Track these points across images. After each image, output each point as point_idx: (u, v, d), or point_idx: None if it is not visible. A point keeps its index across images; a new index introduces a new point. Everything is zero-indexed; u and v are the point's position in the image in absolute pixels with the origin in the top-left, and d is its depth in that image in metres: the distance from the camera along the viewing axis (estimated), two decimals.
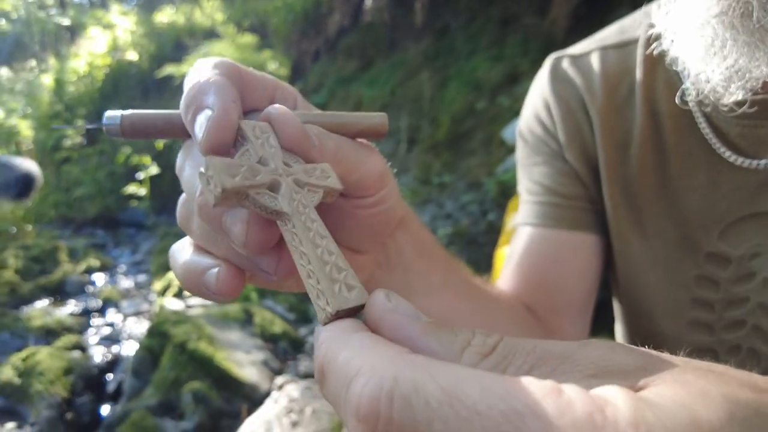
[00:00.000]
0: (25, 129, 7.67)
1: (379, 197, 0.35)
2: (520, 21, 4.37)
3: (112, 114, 0.31)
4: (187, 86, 0.30)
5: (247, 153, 0.28)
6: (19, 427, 2.31)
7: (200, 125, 0.28)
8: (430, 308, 0.40)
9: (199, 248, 0.32)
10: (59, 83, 8.08)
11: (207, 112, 0.28)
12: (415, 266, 0.42)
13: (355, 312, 0.22)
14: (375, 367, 0.17)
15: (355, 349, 0.18)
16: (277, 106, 0.30)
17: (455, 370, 0.16)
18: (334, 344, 0.20)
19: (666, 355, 0.18)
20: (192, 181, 0.30)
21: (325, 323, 0.22)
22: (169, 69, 6.02)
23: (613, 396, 0.15)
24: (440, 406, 0.15)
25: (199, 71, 0.30)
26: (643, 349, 0.19)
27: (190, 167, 0.31)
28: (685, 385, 0.16)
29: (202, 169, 0.25)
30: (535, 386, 0.15)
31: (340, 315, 0.22)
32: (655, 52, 0.51)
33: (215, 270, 0.30)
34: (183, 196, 0.33)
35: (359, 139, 0.34)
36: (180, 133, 0.31)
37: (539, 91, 0.66)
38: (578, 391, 0.15)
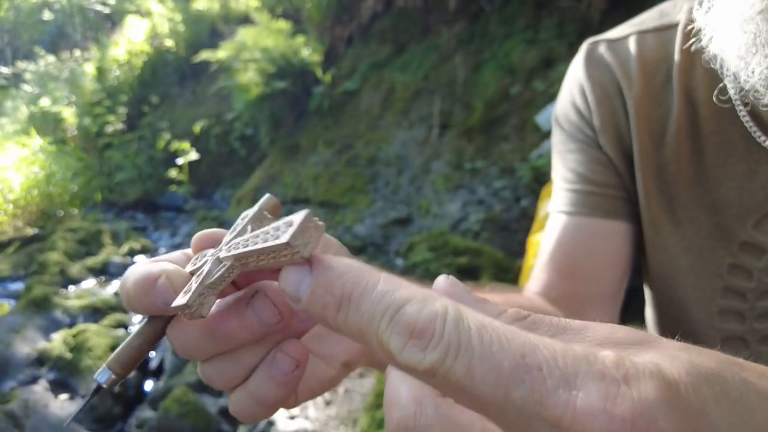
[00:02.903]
0: (70, 116, 7.93)
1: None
2: (556, 3, 4.27)
3: (100, 371, 0.31)
4: (128, 287, 0.31)
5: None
6: (71, 398, 2.44)
7: (161, 290, 0.29)
8: None
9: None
10: (101, 71, 8.30)
11: (161, 280, 0.30)
12: None
13: (308, 224, 0.24)
14: (429, 297, 0.21)
15: (395, 284, 0.22)
16: None
17: (490, 317, 0.21)
18: (364, 276, 0.22)
19: (661, 338, 0.22)
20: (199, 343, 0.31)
21: (297, 256, 0.23)
22: (204, 55, 6.11)
23: (606, 351, 0.19)
24: (478, 330, 0.19)
25: (126, 275, 0.32)
26: (642, 331, 0.22)
27: (179, 338, 0.32)
28: (663, 353, 0.20)
29: (179, 313, 0.29)
30: (548, 338, 0.20)
31: (295, 242, 0.23)
32: (693, 48, 0.51)
33: (278, 353, 0.31)
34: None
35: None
36: (154, 336, 0.32)
37: (575, 77, 0.66)
38: (579, 345, 0.20)
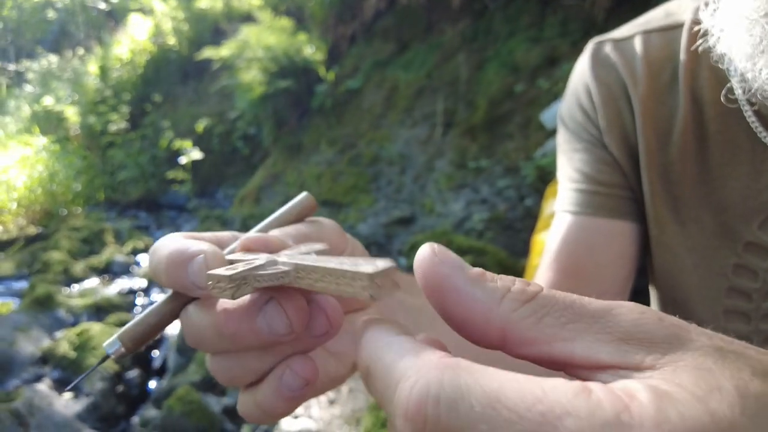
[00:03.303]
0: (73, 115, 7.95)
1: None
2: (560, 1, 4.26)
3: (110, 342, 0.31)
4: (161, 256, 0.30)
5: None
6: (76, 397, 2.45)
7: (196, 270, 0.29)
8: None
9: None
10: (104, 70, 8.32)
11: (199, 260, 0.29)
12: (409, 302, 0.44)
13: (391, 275, 0.24)
14: (420, 371, 0.18)
15: (399, 353, 0.20)
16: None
17: (497, 374, 0.17)
18: (378, 346, 0.21)
19: (692, 328, 0.19)
20: (207, 331, 0.30)
21: (367, 291, 0.23)
22: (207, 53, 6.12)
23: (638, 392, 0.16)
24: (484, 409, 0.16)
25: (161, 244, 0.31)
26: (672, 319, 0.20)
27: (190, 325, 0.31)
28: (703, 375, 0.17)
29: (210, 282, 0.27)
30: (568, 387, 0.16)
31: (377, 278, 0.23)
32: (700, 49, 0.50)
33: (287, 370, 0.30)
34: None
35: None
36: (171, 316, 0.32)
37: (581, 77, 0.65)
38: (605, 390, 0.16)
